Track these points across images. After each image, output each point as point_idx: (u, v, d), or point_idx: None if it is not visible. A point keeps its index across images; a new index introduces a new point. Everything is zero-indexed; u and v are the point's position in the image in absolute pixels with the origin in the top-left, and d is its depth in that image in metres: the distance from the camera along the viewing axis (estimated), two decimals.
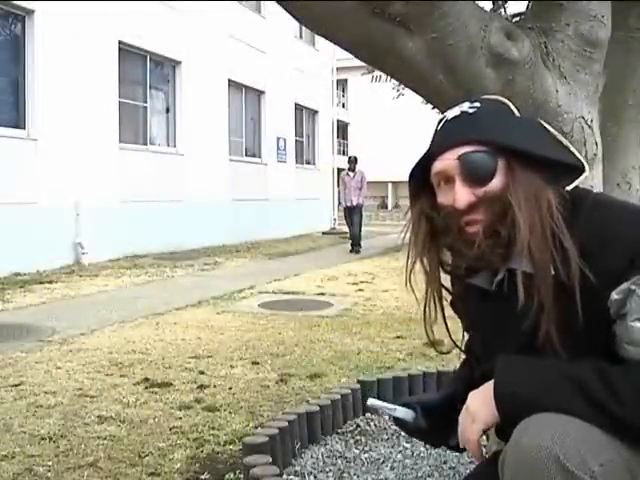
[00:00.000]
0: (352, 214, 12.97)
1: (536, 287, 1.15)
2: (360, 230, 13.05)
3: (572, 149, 1.26)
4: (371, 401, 1.39)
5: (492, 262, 1.21)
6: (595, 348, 1.14)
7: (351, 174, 13.22)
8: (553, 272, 1.15)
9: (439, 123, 1.30)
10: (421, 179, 1.30)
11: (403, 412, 1.37)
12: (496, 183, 1.19)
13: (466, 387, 1.33)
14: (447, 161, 1.22)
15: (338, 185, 14.10)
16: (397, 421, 1.42)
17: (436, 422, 1.38)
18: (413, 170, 1.31)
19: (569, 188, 1.22)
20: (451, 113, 1.28)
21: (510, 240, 1.17)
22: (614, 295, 1.11)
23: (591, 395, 1.07)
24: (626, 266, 1.11)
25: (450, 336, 1.39)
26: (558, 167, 1.22)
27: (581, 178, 1.23)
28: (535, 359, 1.16)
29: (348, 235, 13.28)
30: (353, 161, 13.39)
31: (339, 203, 13.59)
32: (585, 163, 1.24)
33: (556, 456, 1.01)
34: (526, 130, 1.26)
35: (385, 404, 1.38)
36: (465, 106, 1.27)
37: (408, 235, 1.30)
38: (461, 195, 1.19)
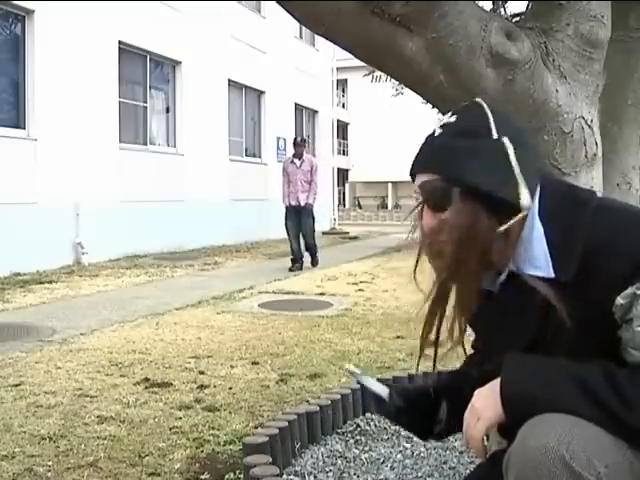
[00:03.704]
0: (301, 217, 9.33)
1: (538, 290, 1.15)
2: (314, 238, 9.60)
3: (530, 181, 1.20)
4: (352, 368, 1.46)
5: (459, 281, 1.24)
6: (597, 351, 1.14)
7: (297, 162, 9.47)
8: (554, 275, 1.16)
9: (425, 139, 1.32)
10: None
11: (379, 387, 1.42)
12: (454, 209, 1.20)
13: (463, 379, 1.38)
14: (416, 185, 1.28)
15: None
16: (375, 399, 1.44)
17: (411, 407, 1.42)
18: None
19: (501, 229, 1.19)
20: (435, 129, 1.30)
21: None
22: (619, 300, 1.11)
23: (598, 398, 1.07)
24: (631, 271, 1.10)
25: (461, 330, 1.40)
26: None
27: (515, 220, 1.19)
28: (543, 358, 1.16)
29: (289, 248, 9.54)
30: (300, 144, 9.63)
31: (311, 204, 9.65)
32: (527, 202, 1.18)
33: (562, 457, 1.02)
34: (481, 161, 1.20)
35: (365, 376, 1.44)
36: (438, 126, 1.29)
37: (415, 235, 1.32)
38: (426, 219, 1.25)
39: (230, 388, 3.64)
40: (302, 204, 9.32)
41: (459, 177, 1.20)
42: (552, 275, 1.16)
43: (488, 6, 3.83)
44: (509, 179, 1.19)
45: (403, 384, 1.53)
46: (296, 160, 9.53)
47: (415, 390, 1.50)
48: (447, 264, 1.22)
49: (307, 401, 3.17)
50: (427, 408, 1.44)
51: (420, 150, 1.29)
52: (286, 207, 9.51)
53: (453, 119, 1.26)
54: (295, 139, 10.01)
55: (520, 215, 1.19)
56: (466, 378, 1.39)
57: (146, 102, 11.88)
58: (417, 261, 1.31)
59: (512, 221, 1.19)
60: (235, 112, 14.85)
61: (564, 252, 1.17)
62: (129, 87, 11.44)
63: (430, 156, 1.26)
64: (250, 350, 4.52)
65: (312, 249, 9.56)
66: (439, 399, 1.44)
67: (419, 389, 1.50)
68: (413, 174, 1.29)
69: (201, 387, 3.65)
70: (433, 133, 1.28)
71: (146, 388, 3.63)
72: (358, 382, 1.46)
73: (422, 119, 23.07)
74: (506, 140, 1.21)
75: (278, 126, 16.56)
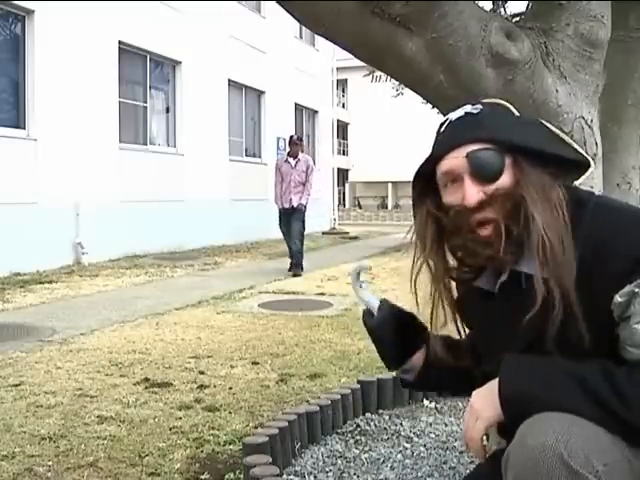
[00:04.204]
0: (291, 219, 8.92)
1: (542, 288, 1.15)
2: (302, 243, 9.03)
3: (575, 146, 1.27)
4: (363, 265, 1.51)
5: (504, 262, 1.21)
6: (597, 349, 1.14)
7: (292, 161, 9.00)
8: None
9: (442, 125, 1.30)
10: (425, 182, 1.31)
11: (373, 300, 1.49)
12: (505, 180, 1.20)
13: (441, 339, 1.40)
14: (455, 160, 1.22)
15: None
16: (366, 311, 1.50)
17: (395, 328, 1.45)
18: (417, 173, 1.31)
19: (577, 183, 1.25)
20: (454, 115, 1.28)
21: (523, 238, 1.18)
22: (618, 298, 1.11)
23: (598, 397, 1.07)
24: (630, 269, 1.11)
25: (461, 336, 1.40)
26: (563, 164, 1.23)
27: (587, 173, 1.25)
28: (541, 358, 1.16)
29: (288, 251, 9.21)
30: (296, 143, 9.15)
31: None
32: (590, 158, 1.26)
33: (560, 455, 1.02)
34: (529, 128, 1.28)
35: (366, 285, 1.51)
36: (468, 108, 1.28)
37: (413, 238, 1.31)
38: (471, 192, 1.20)
39: (230, 388, 3.63)
40: (295, 205, 8.87)
41: (516, 141, 1.21)
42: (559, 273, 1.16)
43: (488, 6, 3.84)
44: (560, 141, 1.26)
45: (400, 307, 1.52)
46: (291, 159, 9.06)
47: (407, 314, 1.48)
48: (535, 232, 1.15)
49: (307, 401, 3.17)
50: (409, 339, 1.45)
51: (456, 127, 1.26)
52: (279, 210, 9.10)
53: (479, 106, 1.28)
54: (291, 137, 9.43)
55: (590, 170, 1.26)
56: (457, 343, 1.42)
57: (146, 102, 11.87)
58: (421, 264, 1.31)
59: (585, 175, 1.26)
60: (235, 112, 14.85)
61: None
62: (129, 87, 11.44)
63: (478, 125, 1.23)
64: (250, 350, 4.52)
65: (297, 255, 8.94)
66: (422, 341, 1.44)
67: (412, 315, 1.48)
68: (451, 149, 1.23)
69: (201, 387, 3.65)
70: (465, 114, 1.26)
71: (146, 388, 3.63)
72: (354, 287, 1.50)
73: (422, 119, 23.08)
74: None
75: (278, 126, 16.55)
